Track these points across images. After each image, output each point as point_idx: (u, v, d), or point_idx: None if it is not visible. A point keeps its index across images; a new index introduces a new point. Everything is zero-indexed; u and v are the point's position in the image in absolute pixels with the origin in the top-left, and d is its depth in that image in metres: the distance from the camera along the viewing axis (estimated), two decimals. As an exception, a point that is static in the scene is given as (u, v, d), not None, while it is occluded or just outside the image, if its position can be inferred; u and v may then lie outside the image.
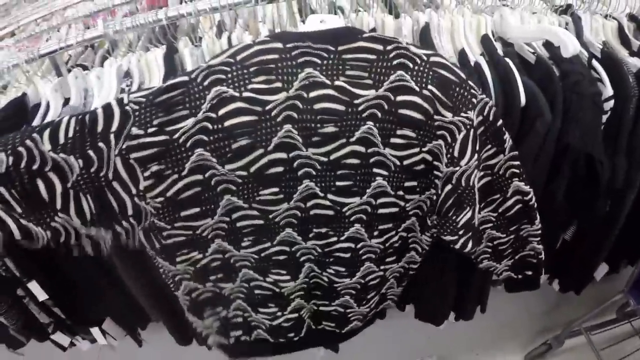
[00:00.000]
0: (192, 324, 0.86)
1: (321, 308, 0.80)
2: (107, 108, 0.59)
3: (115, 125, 0.58)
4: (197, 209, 0.64)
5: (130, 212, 0.62)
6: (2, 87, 0.94)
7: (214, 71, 0.58)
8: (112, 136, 0.58)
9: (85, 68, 0.88)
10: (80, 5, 1.17)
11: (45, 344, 1.03)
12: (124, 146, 0.58)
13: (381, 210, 0.69)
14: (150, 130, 0.58)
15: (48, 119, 0.79)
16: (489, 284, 0.93)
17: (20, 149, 0.58)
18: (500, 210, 0.76)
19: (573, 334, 1.13)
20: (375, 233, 0.71)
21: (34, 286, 0.88)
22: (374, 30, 0.75)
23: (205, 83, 0.58)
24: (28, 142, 0.58)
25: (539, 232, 0.79)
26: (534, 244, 0.81)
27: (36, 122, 0.81)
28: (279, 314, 0.77)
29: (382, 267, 0.76)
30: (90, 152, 0.58)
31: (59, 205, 0.60)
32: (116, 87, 0.78)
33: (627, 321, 1.11)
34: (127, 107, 0.58)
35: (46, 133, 0.58)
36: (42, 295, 0.89)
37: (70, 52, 1.02)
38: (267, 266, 0.71)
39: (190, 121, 0.58)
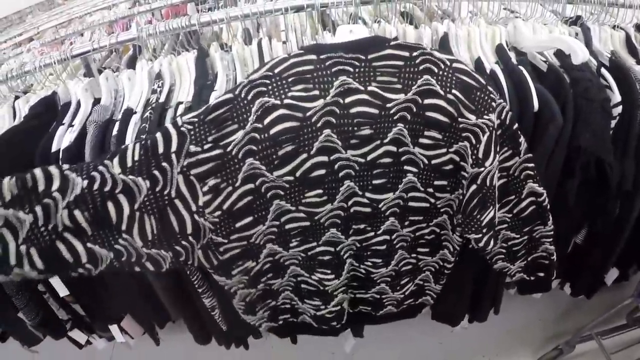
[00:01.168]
0: (212, 324, 0.88)
1: (358, 296, 0.84)
2: (165, 131, 0.63)
3: (174, 146, 0.62)
4: (251, 218, 0.68)
5: (189, 230, 0.65)
6: (29, 85, 0.97)
7: (255, 85, 0.62)
8: (173, 155, 0.62)
9: (113, 71, 0.91)
10: (98, 13, 1.22)
11: (58, 343, 1.03)
12: (184, 163, 0.62)
13: (411, 204, 0.73)
14: (206, 146, 0.62)
15: (79, 117, 0.82)
16: (503, 285, 0.95)
17: (94, 173, 0.61)
18: (515, 211, 0.79)
19: (584, 339, 1.15)
20: (406, 223, 0.75)
21: (56, 281, 0.89)
22: (396, 39, 0.79)
23: (249, 97, 0.62)
24: (101, 167, 0.61)
25: (552, 233, 0.82)
26: (546, 245, 0.84)
27: (67, 119, 0.83)
28: (323, 307, 0.81)
29: (413, 255, 0.81)
30: (156, 172, 0.62)
31: (124, 227, 0.62)
32: (147, 87, 0.81)
33: (637, 326, 1.13)
34: (183, 128, 0.62)
35: (116, 158, 0.62)
36: (63, 291, 0.90)
37: (95, 56, 1.05)
38: (313, 265, 0.75)
39: (240, 134, 0.62)
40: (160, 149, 0.62)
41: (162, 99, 0.79)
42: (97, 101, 0.85)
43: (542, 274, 0.88)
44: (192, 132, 0.61)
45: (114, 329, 0.97)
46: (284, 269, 0.77)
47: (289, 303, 0.83)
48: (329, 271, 0.75)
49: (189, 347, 1.04)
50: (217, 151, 0.62)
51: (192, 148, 0.61)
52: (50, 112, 0.86)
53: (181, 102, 0.78)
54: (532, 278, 0.89)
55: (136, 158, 0.62)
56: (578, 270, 0.99)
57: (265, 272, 0.76)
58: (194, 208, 0.64)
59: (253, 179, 0.65)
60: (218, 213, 0.65)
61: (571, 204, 0.85)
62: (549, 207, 0.78)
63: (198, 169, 0.62)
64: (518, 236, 0.82)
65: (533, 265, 0.87)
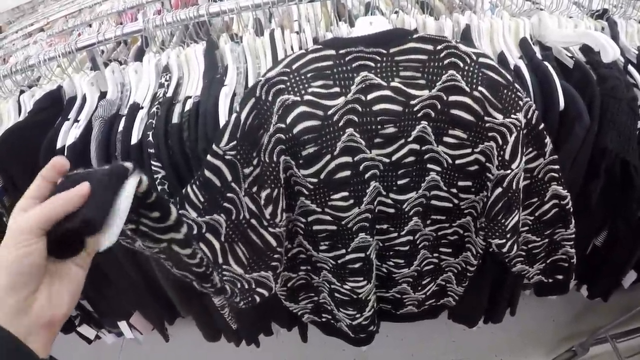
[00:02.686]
0: (222, 322, 0.87)
1: (378, 294, 0.83)
2: (213, 167, 0.63)
3: (230, 176, 0.63)
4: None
5: (274, 243, 0.66)
6: (36, 79, 0.94)
7: (273, 83, 0.60)
8: (233, 184, 0.63)
9: (120, 63, 0.88)
10: (107, 3, 1.18)
11: (67, 338, 1.03)
12: (246, 186, 0.63)
13: (434, 202, 0.70)
14: (254, 162, 0.62)
15: (84, 112, 0.79)
16: (520, 287, 0.93)
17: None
18: (537, 214, 0.76)
19: (598, 341, 1.13)
20: (428, 222, 0.73)
21: (63, 279, 0.88)
22: (416, 31, 0.76)
23: (270, 98, 0.60)
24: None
25: (573, 236, 0.79)
26: (567, 248, 0.81)
27: (72, 114, 0.81)
28: (358, 315, 0.79)
29: (435, 255, 0.79)
30: (226, 204, 0.64)
31: (220, 260, 0.64)
32: (155, 81, 0.78)
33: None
34: (227, 157, 0.62)
35: (188, 207, 0.63)
36: (70, 289, 0.89)
37: (102, 48, 1.02)
38: (344, 273, 0.73)
39: (265, 139, 0.61)
40: (218, 183, 0.63)
41: (169, 93, 0.76)
42: (103, 95, 0.82)
43: (560, 277, 0.86)
44: (237, 157, 0.62)
45: (122, 325, 0.96)
46: (318, 269, 0.75)
47: (328, 305, 0.82)
48: (360, 278, 0.73)
49: (198, 343, 1.03)
50: (260, 163, 0.62)
51: (246, 170, 0.63)
52: (55, 106, 0.83)
53: (189, 97, 0.75)
54: (550, 280, 0.86)
55: (202, 200, 0.63)
56: (596, 272, 0.96)
57: (302, 262, 0.75)
58: (265, 223, 0.64)
59: (285, 170, 0.64)
60: (284, 217, 0.66)
61: (593, 206, 0.82)
62: (572, 210, 0.75)
63: (255, 186, 0.63)
64: (539, 239, 0.79)
65: (552, 268, 0.84)
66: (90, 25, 1.06)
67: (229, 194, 0.63)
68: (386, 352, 1.25)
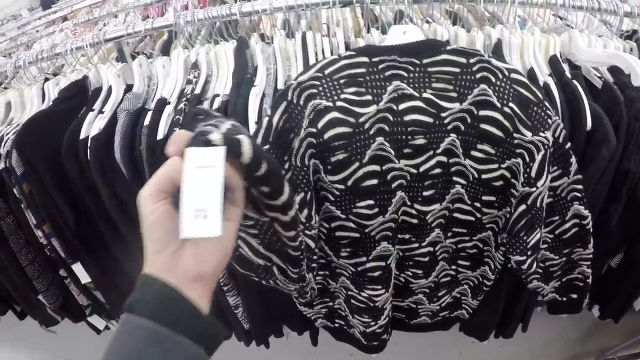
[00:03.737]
0: (234, 320, 0.87)
1: (394, 303, 0.82)
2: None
3: None
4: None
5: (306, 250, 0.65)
6: (60, 66, 0.94)
7: (305, 87, 0.60)
8: None
9: (147, 56, 0.88)
10: (132, -7, 1.17)
11: (77, 325, 1.03)
12: None
13: (457, 215, 0.70)
14: (285, 166, 0.62)
15: (109, 103, 0.80)
16: (534, 303, 0.93)
17: None
18: (557, 232, 0.76)
19: (606, 363, 1.12)
20: (450, 234, 0.73)
21: (78, 268, 0.88)
22: (448, 42, 0.76)
23: (302, 102, 0.60)
24: None
25: (591, 256, 0.79)
26: (583, 268, 0.81)
27: (97, 105, 0.81)
28: (373, 323, 0.79)
29: (453, 267, 0.78)
30: None
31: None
32: (183, 77, 0.78)
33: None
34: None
35: None
36: (84, 278, 0.89)
37: (128, 40, 1.02)
38: (362, 281, 0.73)
39: (296, 143, 0.60)
40: None
41: (197, 90, 0.76)
42: (129, 88, 0.82)
43: (575, 296, 0.85)
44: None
45: (132, 318, 0.96)
46: (336, 275, 0.75)
47: (343, 311, 0.82)
48: (379, 286, 0.73)
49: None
50: (292, 167, 0.61)
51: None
52: (80, 96, 0.84)
53: (218, 95, 0.75)
54: (565, 299, 0.86)
55: None
56: (610, 294, 0.96)
57: (319, 267, 0.75)
58: (301, 227, 0.63)
59: (315, 179, 0.64)
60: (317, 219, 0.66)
61: (612, 227, 0.82)
62: (592, 230, 0.75)
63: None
64: (557, 257, 0.79)
65: (567, 286, 0.84)
66: (115, 16, 1.06)
67: None
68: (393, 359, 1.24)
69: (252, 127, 0.66)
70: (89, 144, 0.74)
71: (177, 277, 0.33)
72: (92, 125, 0.76)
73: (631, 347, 1.09)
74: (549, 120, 0.63)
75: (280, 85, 0.72)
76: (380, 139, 0.61)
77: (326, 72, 0.60)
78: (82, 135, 0.76)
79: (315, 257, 0.66)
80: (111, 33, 0.81)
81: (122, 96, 0.80)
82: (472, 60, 0.61)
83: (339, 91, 0.59)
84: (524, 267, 0.69)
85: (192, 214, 0.32)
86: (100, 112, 0.79)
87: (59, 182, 0.79)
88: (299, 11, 0.74)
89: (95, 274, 0.87)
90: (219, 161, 0.32)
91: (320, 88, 0.59)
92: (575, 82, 0.75)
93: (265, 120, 0.60)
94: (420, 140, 0.62)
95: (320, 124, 0.59)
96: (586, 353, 1.23)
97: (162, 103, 0.75)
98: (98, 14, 1.07)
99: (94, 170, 0.74)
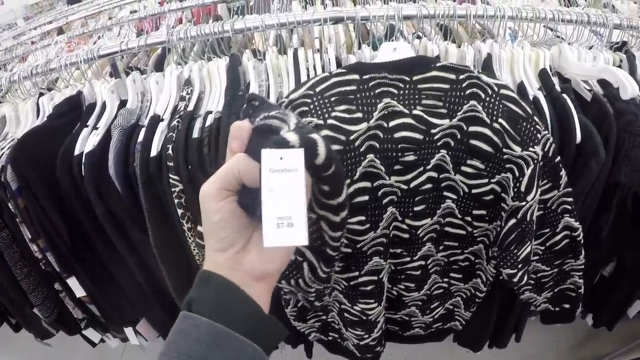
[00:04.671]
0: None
1: (387, 316, 0.83)
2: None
3: None
4: None
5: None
6: (54, 80, 0.94)
7: (296, 105, 0.60)
8: None
9: (140, 72, 0.89)
10: (128, 7, 1.18)
11: (72, 338, 1.03)
12: None
13: (448, 229, 0.71)
14: None
15: (103, 119, 0.80)
16: (527, 313, 0.94)
17: None
18: (548, 244, 0.76)
19: (601, 370, 1.13)
20: (441, 247, 0.73)
21: (72, 282, 0.88)
22: (438, 58, 0.76)
23: None
24: None
25: (582, 267, 0.80)
26: (575, 278, 0.81)
27: (91, 121, 0.81)
28: (366, 336, 0.79)
29: (445, 280, 0.79)
30: None
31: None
32: (176, 93, 0.79)
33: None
34: None
35: None
36: (79, 292, 0.89)
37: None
38: (355, 295, 0.73)
39: None
40: None
41: (190, 107, 0.77)
42: (123, 104, 0.82)
43: (567, 306, 0.86)
44: None
45: (129, 331, 0.96)
46: (329, 289, 0.76)
47: (336, 324, 0.82)
48: (371, 300, 0.73)
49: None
50: None
51: None
52: (74, 112, 0.84)
53: (210, 112, 0.75)
54: (557, 309, 0.87)
55: None
56: (603, 302, 0.97)
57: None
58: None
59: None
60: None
61: (603, 237, 0.83)
62: (582, 241, 0.76)
63: None
64: (548, 269, 0.79)
65: (559, 297, 0.84)
66: (110, 29, 1.07)
67: None
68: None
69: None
70: (83, 160, 0.75)
71: (240, 276, 0.32)
72: (86, 142, 0.77)
73: (626, 354, 1.09)
74: (538, 135, 0.64)
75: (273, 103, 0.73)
76: (370, 156, 0.61)
77: (317, 89, 0.61)
78: (76, 152, 0.77)
79: None
80: (105, 49, 0.82)
81: (115, 112, 0.81)
82: (461, 77, 0.62)
83: (330, 109, 0.60)
84: (515, 279, 0.70)
85: (274, 222, 0.30)
86: (95, 128, 0.79)
87: (53, 198, 0.79)
88: (291, 28, 0.75)
89: (90, 288, 0.87)
90: (299, 164, 0.30)
91: (312, 106, 0.60)
92: (564, 95, 0.76)
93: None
94: (411, 157, 0.63)
95: None
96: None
97: (156, 120, 0.75)
98: (93, 26, 1.07)
99: (88, 186, 0.74)
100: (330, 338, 0.87)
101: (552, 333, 1.29)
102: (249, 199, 0.33)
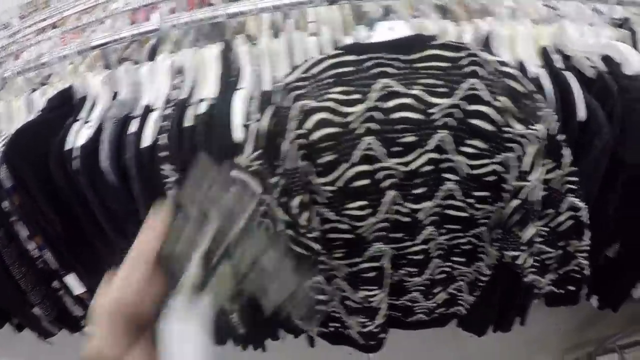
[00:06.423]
0: (228, 325, 0.86)
1: (389, 302, 0.82)
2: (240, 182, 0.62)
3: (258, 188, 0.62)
4: None
5: None
6: (48, 76, 0.93)
7: (291, 88, 0.59)
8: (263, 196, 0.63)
9: (134, 62, 0.87)
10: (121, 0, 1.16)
11: (76, 337, 1.03)
12: (276, 196, 0.63)
13: (449, 211, 0.69)
14: (278, 171, 0.61)
15: (95, 112, 0.79)
16: (532, 296, 0.93)
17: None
18: (552, 225, 0.75)
19: (606, 351, 1.12)
20: (443, 231, 0.72)
21: (70, 279, 0.87)
22: (436, 37, 0.75)
23: (289, 103, 0.59)
24: None
25: (587, 248, 0.78)
26: (579, 260, 0.80)
27: (83, 114, 0.80)
28: (369, 323, 0.78)
29: (447, 264, 0.77)
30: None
31: None
32: (168, 82, 0.77)
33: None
34: (253, 168, 0.61)
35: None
36: (78, 289, 0.88)
37: (116, 46, 1.01)
38: (357, 282, 0.72)
39: (286, 146, 0.59)
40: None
41: (183, 95, 0.75)
42: (115, 95, 0.81)
43: (572, 288, 0.85)
44: (265, 167, 0.61)
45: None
46: (330, 277, 0.74)
47: (338, 313, 0.81)
48: (374, 287, 0.72)
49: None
50: (285, 171, 0.62)
51: (272, 180, 0.62)
52: (66, 105, 0.83)
53: (204, 99, 0.74)
54: (562, 291, 0.85)
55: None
56: (608, 283, 0.95)
57: None
58: (301, 230, 0.64)
59: (306, 183, 0.63)
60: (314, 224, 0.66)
61: (609, 218, 0.81)
62: (587, 222, 0.75)
63: (285, 196, 0.62)
64: (552, 250, 0.78)
65: (564, 279, 0.83)
66: (103, 22, 1.05)
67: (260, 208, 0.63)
68: (390, 356, 1.24)
69: (239, 131, 0.65)
70: (75, 154, 0.74)
71: None
72: (79, 135, 0.75)
73: (630, 334, 1.08)
74: (541, 113, 0.63)
75: (267, 87, 0.71)
76: (369, 138, 0.60)
77: (313, 72, 0.60)
78: (68, 145, 0.75)
79: (320, 259, 0.65)
80: (97, 40, 0.80)
81: (108, 104, 0.79)
82: (460, 54, 0.60)
83: (325, 91, 0.59)
84: (519, 262, 0.68)
85: None
86: (87, 121, 0.78)
87: (48, 192, 0.78)
88: (285, 10, 0.73)
89: (89, 284, 0.86)
90: None
91: (308, 88, 0.59)
92: (567, 73, 0.74)
93: (254, 124, 0.60)
94: (410, 138, 0.61)
95: (307, 125, 0.58)
96: (586, 342, 1.23)
97: (148, 109, 0.74)
98: (87, 20, 1.05)
99: (82, 179, 0.73)
100: (331, 329, 0.86)
101: (556, 315, 1.27)
102: None
